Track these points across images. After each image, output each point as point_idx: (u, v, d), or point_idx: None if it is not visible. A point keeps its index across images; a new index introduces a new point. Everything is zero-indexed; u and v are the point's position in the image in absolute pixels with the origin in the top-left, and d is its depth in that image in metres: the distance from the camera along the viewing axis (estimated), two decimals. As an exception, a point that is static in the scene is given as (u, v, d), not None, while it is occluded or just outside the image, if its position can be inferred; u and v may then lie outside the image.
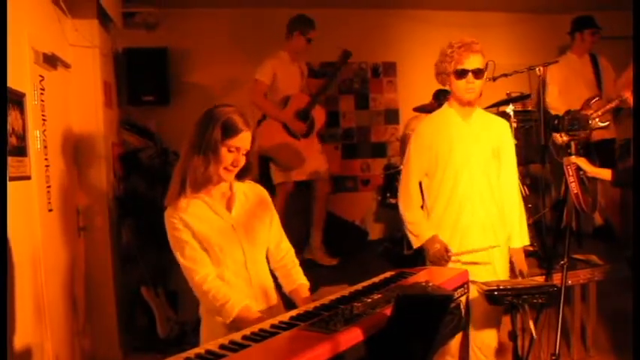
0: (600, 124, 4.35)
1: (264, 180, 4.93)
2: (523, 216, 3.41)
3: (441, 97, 5.27)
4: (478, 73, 3.16)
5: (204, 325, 2.47)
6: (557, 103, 5.51)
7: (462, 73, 3.15)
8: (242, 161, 2.38)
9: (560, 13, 6.18)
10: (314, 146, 5.14)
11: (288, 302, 2.59)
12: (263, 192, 2.60)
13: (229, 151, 2.33)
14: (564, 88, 5.47)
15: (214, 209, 2.39)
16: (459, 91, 3.22)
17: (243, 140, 2.35)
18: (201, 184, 2.35)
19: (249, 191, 2.53)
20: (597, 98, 5.23)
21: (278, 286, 2.62)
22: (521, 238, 3.36)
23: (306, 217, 5.31)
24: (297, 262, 2.66)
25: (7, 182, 2.93)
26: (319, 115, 5.11)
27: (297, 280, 2.58)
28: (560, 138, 4.62)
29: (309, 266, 4.85)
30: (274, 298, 2.55)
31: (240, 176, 2.46)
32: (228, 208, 2.44)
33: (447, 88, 3.32)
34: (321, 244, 5.25)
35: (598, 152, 4.47)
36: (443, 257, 3.21)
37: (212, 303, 2.29)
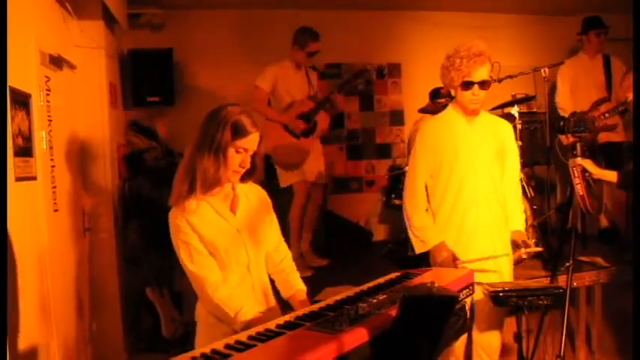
0: (608, 126, 4.35)
1: (270, 182, 4.97)
2: (522, 211, 3.40)
3: (437, 97, 5.26)
4: (484, 85, 3.15)
5: (200, 329, 2.45)
6: (567, 103, 5.51)
7: (468, 85, 3.14)
8: (249, 163, 2.37)
9: (566, 14, 6.17)
10: (315, 147, 5.15)
11: (285, 305, 2.59)
12: (264, 193, 2.59)
13: (237, 152, 2.32)
14: (574, 89, 5.46)
15: (219, 212, 2.38)
16: (463, 101, 3.22)
17: (252, 142, 2.34)
18: (211, 185, 2.33)
19: (250, 192, 2.52)
20: (606, 100, 5.23)
21: (275, 289, 2.62)
22: (519, 222, 3.37)
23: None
24: (294, 266, 2.66)
25: (8, 183, 2.93)
26: (323, 119, 5.11)
27: (296, 286, 2.58)
28: (566, 139, 4.63)
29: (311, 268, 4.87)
30: (273, 300, 2.55)
31: (243, 177, 2.44)
32: (232, 210, 2.43)
33: (450, 92, 3.31)
34: (309, 247, 5.20)
35: (605, 155, 4.47)
36: (450, 266, 3.19)
37: (224, 312, 2.27)
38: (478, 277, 2.99)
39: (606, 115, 4.92)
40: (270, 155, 4.97)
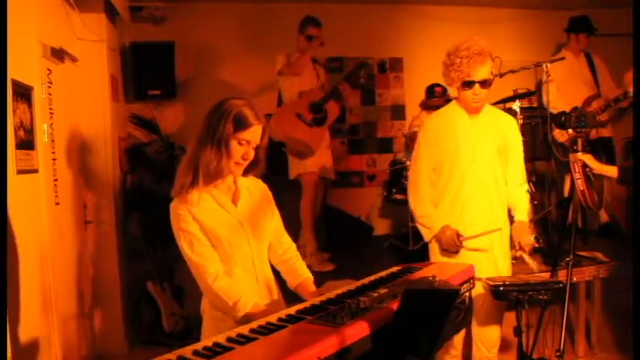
0: (602, 122, 4.38)
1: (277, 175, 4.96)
2: (527, 201, 3.41)
3: (432, 96, 5.36)
4: (485, 84, 3.15)
5: (206, 323, 2.45)
6: (555, 101, 5.50)
7: (468, 85, 3.15)
8: (252, 155, 2.37)
9: (568, 9, 6.16)
10: (324, 139, 5.15)
11: (289, 297, 2.60)
12: (265, 187, 2.60)
13: (239, 144, 2.32)
14: (563, 87, 5.44)
15: (221, 203, 2.38)
16: (465, 99, 3.23)
17: (254, 134, 2.34)
18: (212, 177, 2.34)
19: (252, 186, 2.53)
20: (597, 97, 5.27)
21: (279, 281, 2.62)
22: (523, 212, 3.34)
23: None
24: (299, 255, 2.67)
25: (12, 176, 2.94)
26: (333, 109, 5.13)
27: (303, 274, 2.58)
28: (562, 136, 4.65)
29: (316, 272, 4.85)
30: (276, 292, 2.55)
31: (246, 170, 2.45)
32: (234, 202, 2.43)
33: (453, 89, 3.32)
34: (315, 248, 5.11)
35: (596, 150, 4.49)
36: (455, 243, 3.23)
37: (223, 301, 2.27)
38: (472, 256, 3.11)
39: (599, 111, 4.97)
40: (280, 146, 4.99)
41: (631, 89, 3.51)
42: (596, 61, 5.76)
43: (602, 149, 4.97)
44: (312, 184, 5.04)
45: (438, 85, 5.30)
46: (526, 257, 3.29)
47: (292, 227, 2.76)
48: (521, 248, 3.25)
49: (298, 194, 5.10)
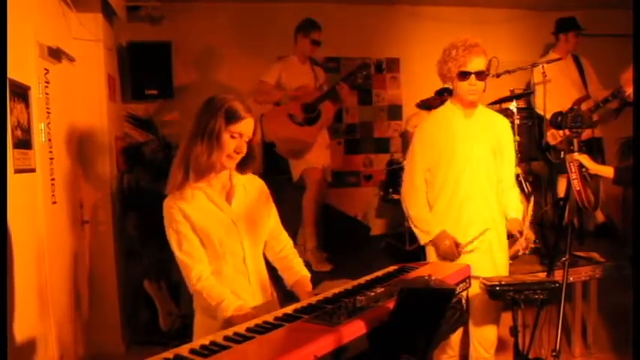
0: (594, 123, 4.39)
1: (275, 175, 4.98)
2: (519, 199, 3.43)
3: (444, 94, 5.28)
4: (480, 75, 3.17)
5: (197, 320, 2.45)
6: (546, 102, 5.51)
7: (464, 75, 3.16)
8: (244, 148, 2.37)
9: (565, 10, 6.18)
10: (320, 138, 5.16)
11: (284, 297, 2.60)
12: (262, 184, 2.59)
13: (232, 137, 2.32)
14: (553, 88, 5.46)
15: (214, 201, 2.38)
16: (461, 91, 3.24)
17: (246, 126, 2.34)
18: (204, 172, 2.34)
19: (249, 184, 2.52)
20: (587, 98, 5.28)
21: (273, 280, 2.62)
22: (516, 210, 3.37)
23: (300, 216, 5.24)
24: (297, 253, 2.66)
25: (9, 175, 2.93)
26: (328, 108, 5.13)
27: (300, 272, 2.58)
28: (554, 139, 4.67)
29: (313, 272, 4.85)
30: (270, 293, 2.55)
31: (242, 167, 2.45)
32: (228, 200, 2.42)
33: (449, 86, 3.33)
34: (315, 247, 5.13)
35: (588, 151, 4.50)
36: (454, 253, 3.23)
37: (206, 302, 2.28)
38: (470, 258, 3.10)
39: (589, 112, 4.99)
40: (274, 146, 5.00)
41: (628, 89, 3.51)
42: (585, 62, 5.77)
43: (597, 150, 5.00)
44: (316, 179, 5.05)
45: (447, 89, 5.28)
46: (522, 241, 3.29)
47: (291, 227, 2.75)
48: (519, 233, 3.26)
49: (298, 194, 5.11)
